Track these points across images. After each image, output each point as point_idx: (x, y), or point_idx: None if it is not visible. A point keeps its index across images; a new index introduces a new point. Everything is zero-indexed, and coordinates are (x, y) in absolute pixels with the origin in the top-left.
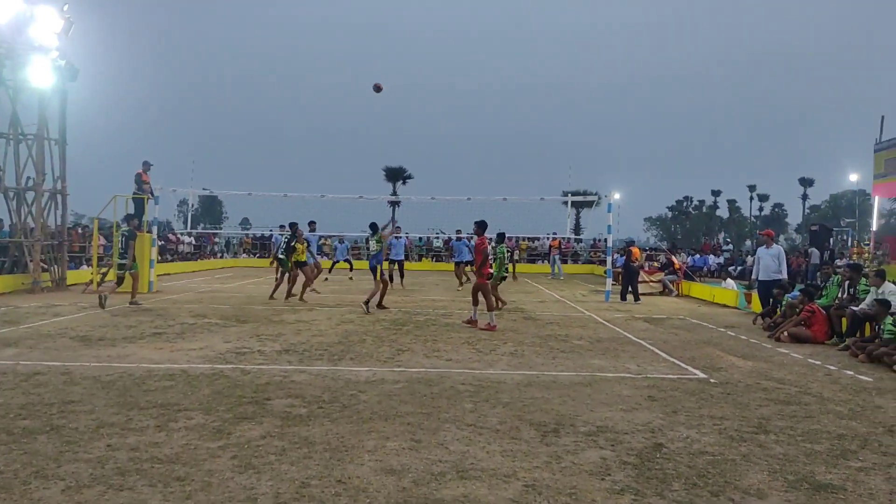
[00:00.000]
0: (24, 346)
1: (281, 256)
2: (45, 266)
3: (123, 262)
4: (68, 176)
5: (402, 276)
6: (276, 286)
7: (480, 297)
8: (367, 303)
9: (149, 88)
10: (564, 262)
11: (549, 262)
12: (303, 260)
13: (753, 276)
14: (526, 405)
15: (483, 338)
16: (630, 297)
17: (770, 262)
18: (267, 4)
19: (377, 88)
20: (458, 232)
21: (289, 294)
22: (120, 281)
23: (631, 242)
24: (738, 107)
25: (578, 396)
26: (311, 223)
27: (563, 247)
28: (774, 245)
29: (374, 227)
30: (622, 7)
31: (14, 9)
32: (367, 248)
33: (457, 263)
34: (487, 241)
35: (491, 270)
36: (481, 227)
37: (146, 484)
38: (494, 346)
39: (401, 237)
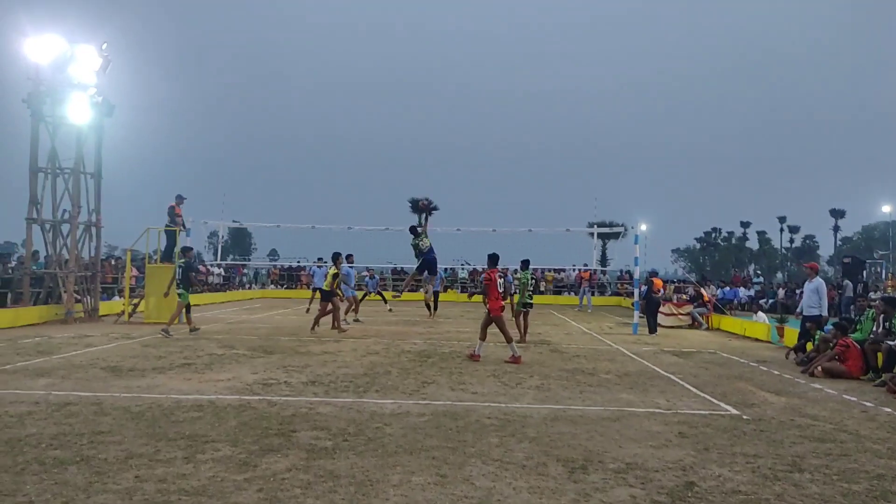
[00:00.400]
0: (56, 377)
1: (325, 288)
2: (79, 297)
3: (180, 291)
4: (102, 209)
5: (435, 307)
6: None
7: (492, 330)
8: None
9: (182, 123)
10: (592, 293)
11: (576, 293)
12: (327, 290)
13: (798, 311)
14: (553, 440)
15: (509, 371)
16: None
17: (810, 296)
18: (289, 31)
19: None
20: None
21: (315, 324)
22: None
23: (654, 273)
24: (766, 137)
25: (606, 432)
26: (349, 256)
27: (592, 278)
28: (816, 278)
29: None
30: (657, 22)
31: (57, 49)
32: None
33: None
34: (498, 274)
35: (503, 303)
36: (493, 260)
37: None
38: (520, 380)
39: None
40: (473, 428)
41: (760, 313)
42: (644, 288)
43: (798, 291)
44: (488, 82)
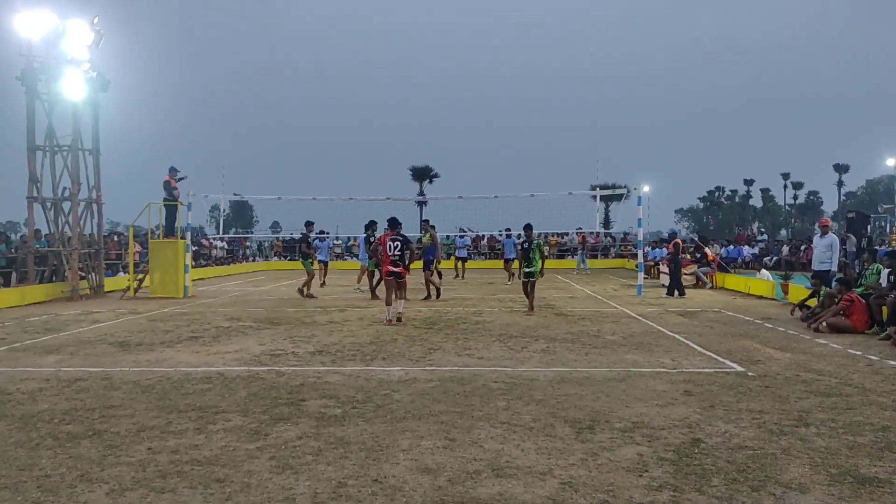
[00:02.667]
0: (65, 353)
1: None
2: (83, 274)
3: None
4: (103, 185)
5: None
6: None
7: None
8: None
9: (178, 96)
10: (594, 256)
11: (576, 257)
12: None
13: (814, 266)
14: (559, 402)
15: (514, 335)
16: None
17: (822, 251)
18: (291, 4)
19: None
20: (508, 230)
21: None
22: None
23: (674, 234)
24: (768, 93)
25: (613, 392)
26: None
27: (586, 241)
28: (829, 234)
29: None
30: None
31: (48, 24)
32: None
33: (506, 260)
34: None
35: (390, 268)
36: (391, 223)
37: (187, 486)
38: (526, 344)
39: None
40: (480, 392)
41: (764, 271)
42: (652, 251)
43: (803, 248)
44: (484, 67)
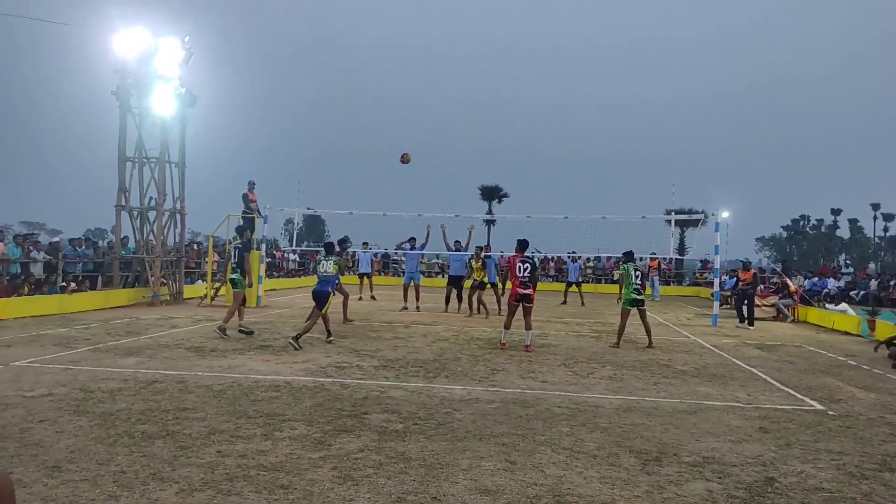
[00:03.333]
0: (144, 356)
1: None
2: (164, 281)
3: (234, 276)
4: (186, 196)
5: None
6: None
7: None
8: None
9: (261, 113)
10: (667, 283)
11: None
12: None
13: None
14: (625, 431)
15: (580, 360)
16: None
17: None
18: (368, 28)
19: (404, 160)
20: (573, 252)
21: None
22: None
23: (749, 264)
24: (859, 119)
25: (682, 425)
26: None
27: (662, 268)
28: None
29: (328, 246)
30: (734, 12)
31: (142, 43)
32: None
33: (568, 283)
34: (520, 259)
35: (521, 291)
36: (520, 245)
37: (252, 490)
38: (592, 370)
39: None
40: (543, 416)
41: (843, 304)
42: (730, 280)
43: (892, 283)
44: (562, 91)
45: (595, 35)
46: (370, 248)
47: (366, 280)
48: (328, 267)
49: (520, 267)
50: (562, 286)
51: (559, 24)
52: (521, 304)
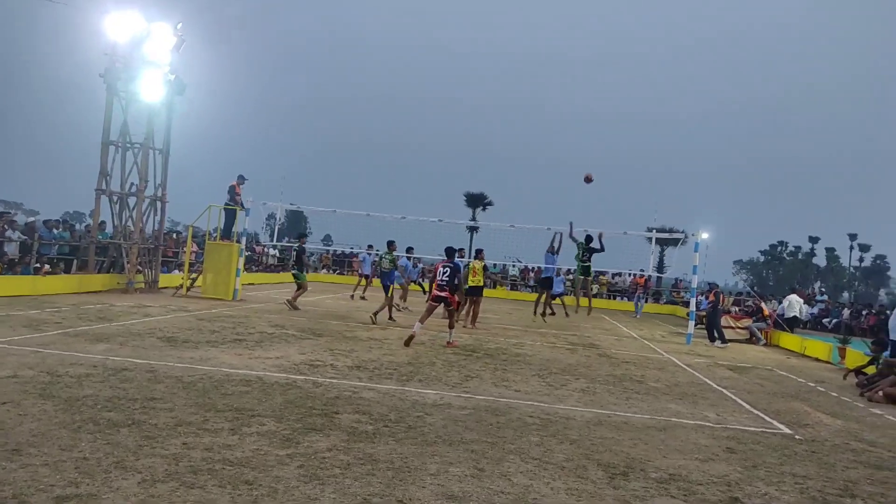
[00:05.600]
0: (114, 343)
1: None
2: (140, 268)
3: (294, 271)
4: (168, 184)
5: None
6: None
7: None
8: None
9: (250, 107)
10: (644, 300)
11: (630, 299)
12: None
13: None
14: (595, 444)
15: (554, 371)
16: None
17: None
18: (359, 28)
19: (587, 179)
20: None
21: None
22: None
23: (714, 286)
24: (839, 151)
25: (651, 441)
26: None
27: (647, 285)
28: None
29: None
30: (725, 27)
31: (134, 26)
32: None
33: (551, 295)
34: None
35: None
36: (448, 252)
37: (216, 484)
38: (565, 381)
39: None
40: (514, 425)
41: (793, 295)
42: (706, 300)
43: (864, 313)
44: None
45: (590, 44)
46: (373, 252)
47: (363, 281)
48: (386, 262)
49: (440, 271)
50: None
51: (549, 31)
52: (441, 304)
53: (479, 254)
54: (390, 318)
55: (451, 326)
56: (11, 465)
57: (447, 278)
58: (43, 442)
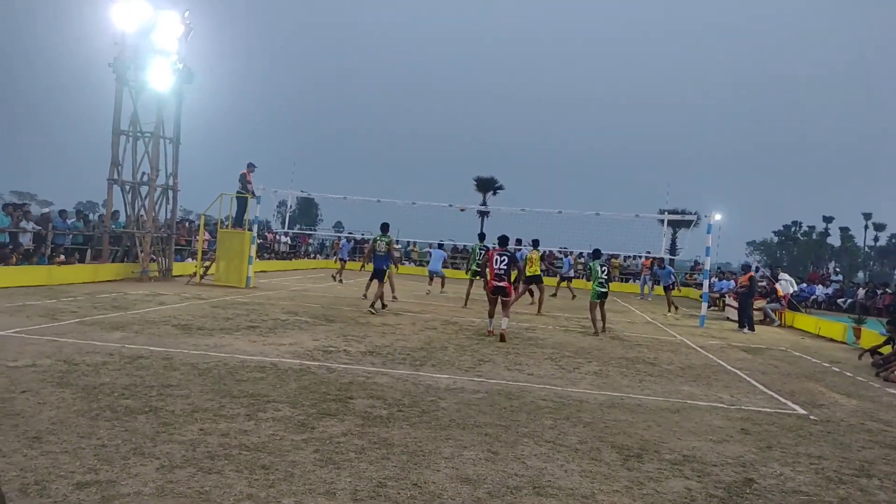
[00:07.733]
0: (130, 331)
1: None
2: (154, 257)
3: (475, 268)
4: (180, 173)
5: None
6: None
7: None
8: (373, 305)
9: (260, 95)
10: (657, 283)
11: (639, 281)
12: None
13: None
14: (608, 427)
15: (567, 355)
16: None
17: None
18: (363, 12)
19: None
20: (564, 248)
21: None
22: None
23: (748, 267)
24: (855, 130)
25: (665, 423)
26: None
27: (654, 265)
28: None
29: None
30: (734, 10)
31: (142, 15)
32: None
33: (561, 278)
34: (498, 253)
35: (496, 283)
36: (501, 240)
37: (233, 469)
38: (578, 365)
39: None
40: (528, 408)
41: (785, 275)
42: (719, 282)
43: (880, 293)
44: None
45: (601, 28)
46: (351, 237)
47: (340, 264)
48: (382, 246)
49: (497, 260)
50: (553, 280)
51: (567, 15)
52: (498, 297)
53: (535, 244)
54: (383, 305)
55: (506, 316)
56: (32, 453)
57: (506, 267)
58: (62, 429)
